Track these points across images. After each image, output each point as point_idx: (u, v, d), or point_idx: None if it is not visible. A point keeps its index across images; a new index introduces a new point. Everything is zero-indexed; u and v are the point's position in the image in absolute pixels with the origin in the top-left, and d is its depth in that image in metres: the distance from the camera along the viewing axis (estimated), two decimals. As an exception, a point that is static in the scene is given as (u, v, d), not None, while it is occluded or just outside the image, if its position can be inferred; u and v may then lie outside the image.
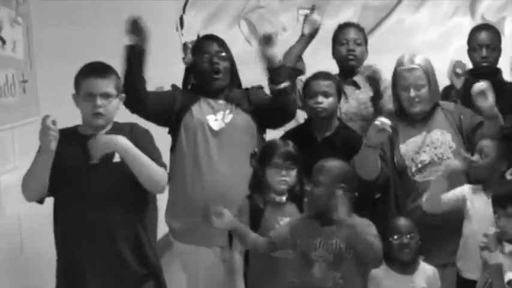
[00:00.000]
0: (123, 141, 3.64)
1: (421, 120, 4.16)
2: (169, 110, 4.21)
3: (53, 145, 3.49)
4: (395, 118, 4.15)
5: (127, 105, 4.00)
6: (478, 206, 3.88)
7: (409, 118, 4.16)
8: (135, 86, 4.02)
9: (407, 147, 4.14)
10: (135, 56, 3.99)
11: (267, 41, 4.09)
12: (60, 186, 3.66)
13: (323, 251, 3.62)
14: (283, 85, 4.12)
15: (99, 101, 3.64)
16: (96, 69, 3.70)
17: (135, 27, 3.96)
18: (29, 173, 3.63)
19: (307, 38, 4.69)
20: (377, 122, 3.78)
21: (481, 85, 3.90)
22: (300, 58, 4.67)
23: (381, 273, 3.79)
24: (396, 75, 4.16)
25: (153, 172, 3.70)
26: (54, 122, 3.48)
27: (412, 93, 4.09)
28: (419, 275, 3.80)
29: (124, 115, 3.90)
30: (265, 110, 4.22)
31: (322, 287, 3.59)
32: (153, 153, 3.75)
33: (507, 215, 3.56)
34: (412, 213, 4.02)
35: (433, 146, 4.11)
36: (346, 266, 3.60)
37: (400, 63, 4.16)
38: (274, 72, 4.11)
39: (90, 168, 3.65)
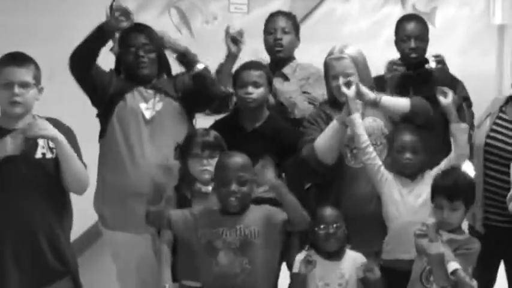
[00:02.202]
0: (61, 135, 3.64)
1: None
2: (105, 90, 4.21)
3: None
4: (329, 107, 4.21)
5: (73, 68, 4.08)
6: (398, 193, 3.95)
7: (342, 107, 4.17)
8: (91, 49, 4.07)
9: None
10: (105, 32, 4.05)
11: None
12: None
13: (228, 238, 3.61)
14: (198, 68, 4.19)
15: (16, 89, 3.63)
16: (15, 58, 3.70)
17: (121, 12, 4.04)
18: None
19: (234, 55, 4.53)
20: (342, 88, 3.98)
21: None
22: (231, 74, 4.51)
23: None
24: (326, 65, 4.20)
25: (80, 171, 3.74)
26: None
27: (341, 81, 4.12)
28: (347, 262, 3.84)
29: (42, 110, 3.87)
30: (190, 94, 4.25)
31: (230, 274, 3.59)
32: (77, 152, 3.76)
33: (453, 208, 3.62)
34: (348, 201, 4.04)
35: (366, 133, 4.14)
36: (253, 251, 3.60)
37: (329, 53, 4.20)
38: (184, 58, 4.22)
39: (10, 161, 3.62)
